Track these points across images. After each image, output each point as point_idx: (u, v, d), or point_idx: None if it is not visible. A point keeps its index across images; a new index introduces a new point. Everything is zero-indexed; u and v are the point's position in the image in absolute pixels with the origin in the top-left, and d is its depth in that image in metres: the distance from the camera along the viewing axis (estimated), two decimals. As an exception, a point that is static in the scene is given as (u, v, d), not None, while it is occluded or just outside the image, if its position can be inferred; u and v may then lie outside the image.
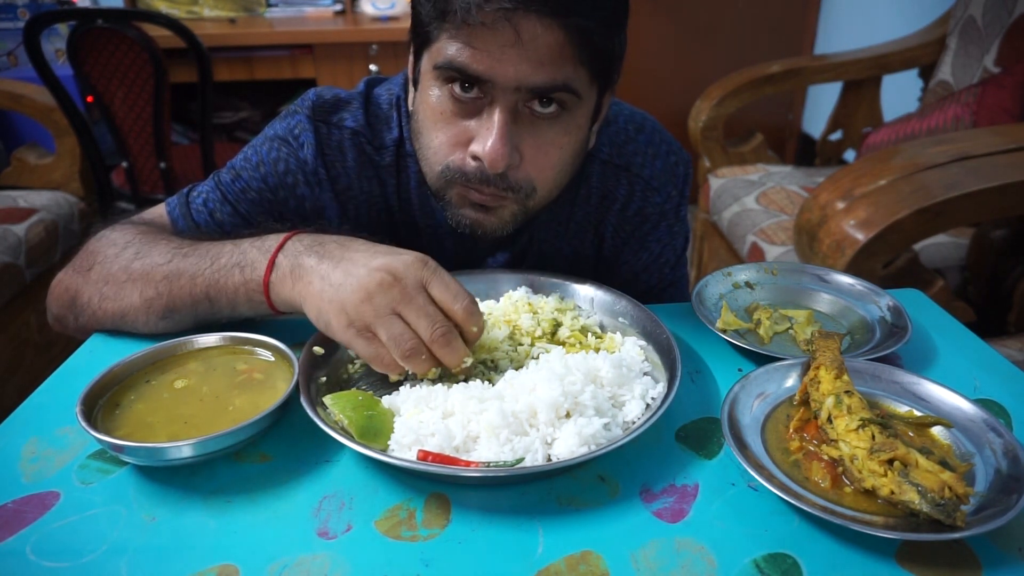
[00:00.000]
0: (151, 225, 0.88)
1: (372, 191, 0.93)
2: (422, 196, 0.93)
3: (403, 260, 0.67)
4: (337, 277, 0.67)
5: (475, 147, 0.74)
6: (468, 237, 0.84)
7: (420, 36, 0.76)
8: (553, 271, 0.89)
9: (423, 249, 0.72)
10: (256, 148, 0.92)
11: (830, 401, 0.63)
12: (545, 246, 0.97)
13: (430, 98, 0.76)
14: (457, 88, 0.73)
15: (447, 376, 0.71)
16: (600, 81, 0.77)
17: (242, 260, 0.75)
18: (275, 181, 0.90)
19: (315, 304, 0.68)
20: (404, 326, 0.65)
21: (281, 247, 0.73)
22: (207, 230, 0.89)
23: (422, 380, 0.70)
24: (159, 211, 0.93)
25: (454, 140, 0.76)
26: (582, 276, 0.87)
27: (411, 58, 0.81)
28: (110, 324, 0.81)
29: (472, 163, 0.76)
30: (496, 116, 0.72)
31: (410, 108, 0.85)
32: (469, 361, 0.68)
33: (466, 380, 0.69)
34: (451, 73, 0.72)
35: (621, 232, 0.98)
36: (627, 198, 0.96)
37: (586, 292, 0.84)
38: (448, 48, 0.71)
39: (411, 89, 0.84)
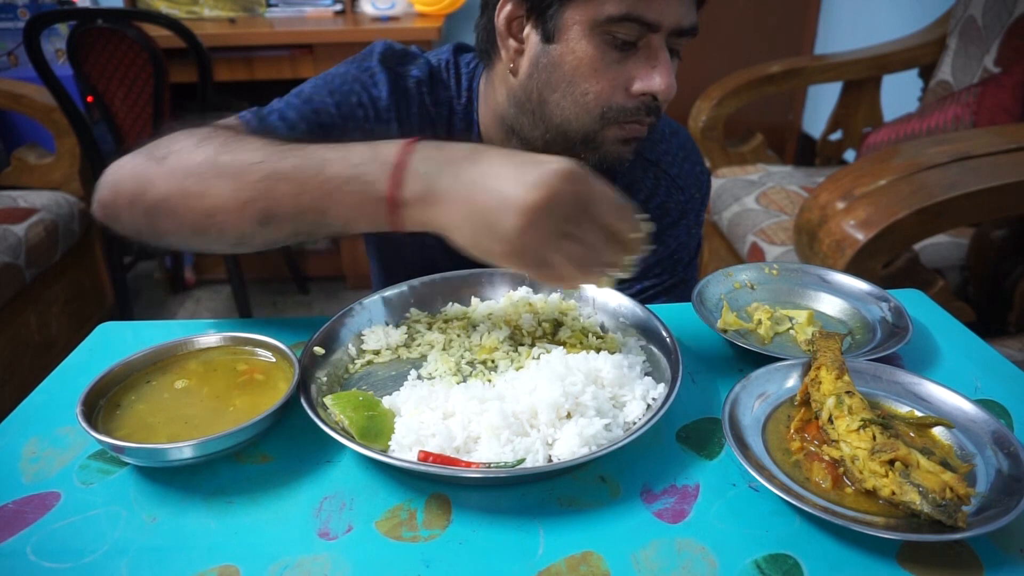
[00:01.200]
0: (227, 126, 0.82)
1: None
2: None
3: (557, 173, 0.59)
4: (487, 202, 0.60)
5: (643, 85, 0.81)
6: None
7: None
8: None
9: None
10: (326, 79, 0.92)
11: (831, 401, 0.63)
12: None
13: (584, 48, 0.80)
14: (623, 35, 0.79)
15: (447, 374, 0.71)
16: None
17: (361, 173, 0.65)
18: (347, 111, 0.90)
19: (467, 234, 0.62)
20: (576, 246, 0.61)
21: (405, 164, 0.64)
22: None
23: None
24: (231, 120, 0.86)
25: (615, 84, 0.81)
26: None
27: (508, 14, 0.84)
28: (191, 225, 0.70)
29: (634, 102, 0.82)
30: (662, 54, 0.81)
31: (512, 66, 0.87)
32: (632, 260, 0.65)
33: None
34: (626, 23, 0.78)
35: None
36: (652, 191, 1.01)
37: (587, 292, 0.84)
38: (620, 2, 0.77)
39: (510, 46, 0.86)
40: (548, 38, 0.82)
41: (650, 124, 0.85)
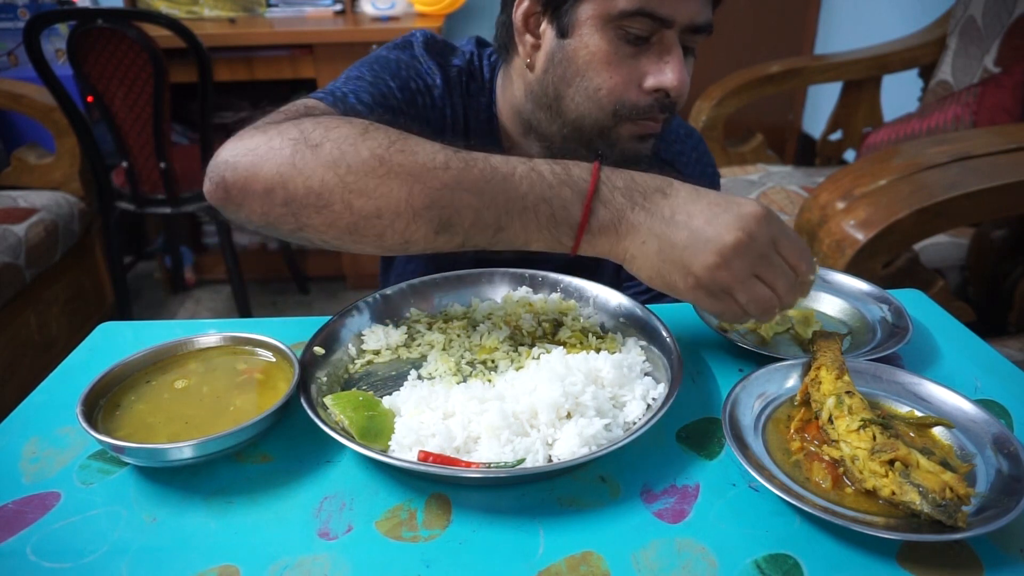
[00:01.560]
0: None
1: (465, 128, 0.97)
2: (486, 147, 0.98)
3: (752, 216, 0.63)
4: (681, 238, 0.64)
5: (655, 80, 0.81)
6: None
7: None
8: None
9: None
10: (381, 65, 0.90)
11: (831, 401, 0.63)
12: None
13: (597, 43, 0.81)
14: (636, 30, 0.79)
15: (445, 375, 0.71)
16: None
17: (549, 195, 0.65)
18: (408, 96, 0.91)
19: (652, 265, 0.65)
20: (763, 287, 0.65)
21: (595, 191, 0.65)
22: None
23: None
24: (312, 104, 0.79)
25: (627, 79, 0.82)
26: None
27: (526, 10, 0.85)
28: (347, 225, 0.64)
29: (647, 99, 0.82)
30: (675, 51, 0.80)
31: (529, 60, 0.88)
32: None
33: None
34: (638, 18, 0.78)
35: None
36: None
37: (587, 292, 0.84)
38: None
39: (527, 41, 0.87)
40: (563, 33, 0.83)
41: (664, 120, 0.86)
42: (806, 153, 3.37)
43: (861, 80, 2.36)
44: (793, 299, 0.67)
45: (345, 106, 0.82)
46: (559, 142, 0.90)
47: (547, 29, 0.85)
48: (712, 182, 1.07)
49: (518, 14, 0.86)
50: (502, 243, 0.67)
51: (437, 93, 0.93)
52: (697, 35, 0.82)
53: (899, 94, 2.45)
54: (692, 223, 0.64)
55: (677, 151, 1.03)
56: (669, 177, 0.69)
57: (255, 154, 0.65)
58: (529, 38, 0.87)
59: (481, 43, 1.02)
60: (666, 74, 0.81)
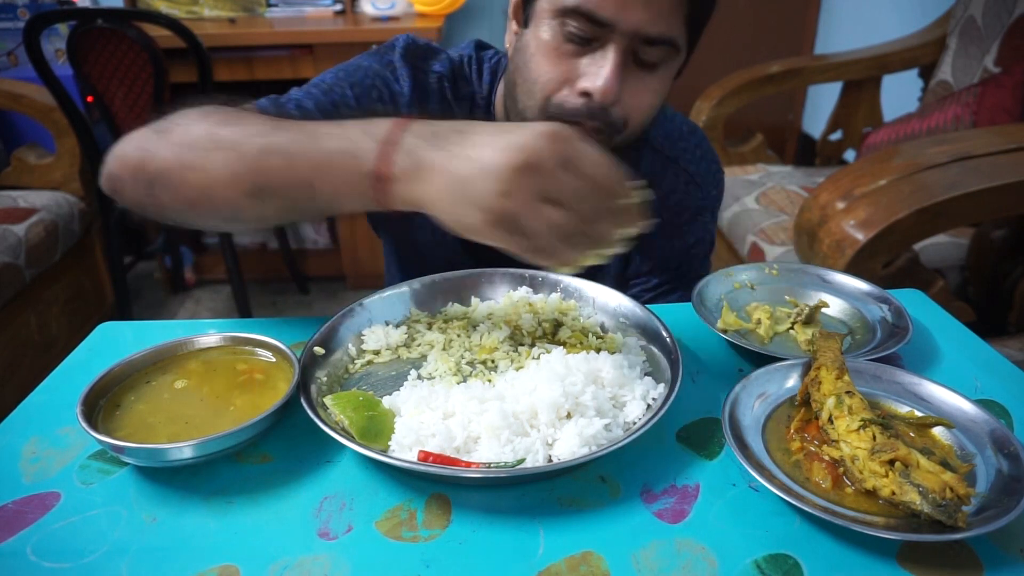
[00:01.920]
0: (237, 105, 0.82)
1: None
2: None
3: (539, 134, 0.57)
4: (465, 170, 0.58)
5: (585, 83, 0.79)
6: None
7: None
8: None
9: None
10: (347, 71, 0.92)
11: (831, 401, 0.63)
12: None
13: (544, 35, 0.80)
14: (576, 29, 0.77)
15: (445, 375, 0.71)
16: (692, 39, 0.83)
17: (352, 148, 0.64)
18: (367, 104, 0.91)
19: (447, 208, 0.59)
20: (557, 212, 0.57)
21: (396, 140, 0.62)
22: None
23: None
24: (246, 106, 0.86)
25: (562, 77, 0.80)
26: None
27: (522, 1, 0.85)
28: (186, 201, 0.71)
29: (576, 100, 0.80)
30: (611, 55, 0.78)
31: (508, 47, 0.89)
32: (629, 233, 0.61)
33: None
34: (579, 17, 0.76)
35: (659, 218, 1.02)
36: (671, 188, 1.02)
37: (587, 292, 0.84)
38: None
39: (511, 28, 0.88)
40: (526, 23, 0.85)
41: (597, 129, 0.81)
42: (806, 153, 3.37)
43: (861, 80, 2.36)
44: (604, 228, 0.59)
45: (280, 111, 0.86)
46: None
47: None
48: (717, 179, 1.07)
49: (511, 5, 0.88)
50: (320, 203, 0.67)
51: (404, 101, 0.92)
52: (653, 47, 0.79)
53: (899, 94, 2.45)
54: (476, 152, 0.58)
55: (681, 148, 1.03)
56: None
57: (125, 147, 0.74)
58: (513, 26, 0.89)
59: (481, 46, 1.02)
60: (594, 78, 0.78)
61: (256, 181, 0.67)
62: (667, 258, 1.05)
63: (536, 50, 0.82)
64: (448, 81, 0.96)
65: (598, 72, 0.78)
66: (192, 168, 0.69)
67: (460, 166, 0.58)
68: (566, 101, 0.81)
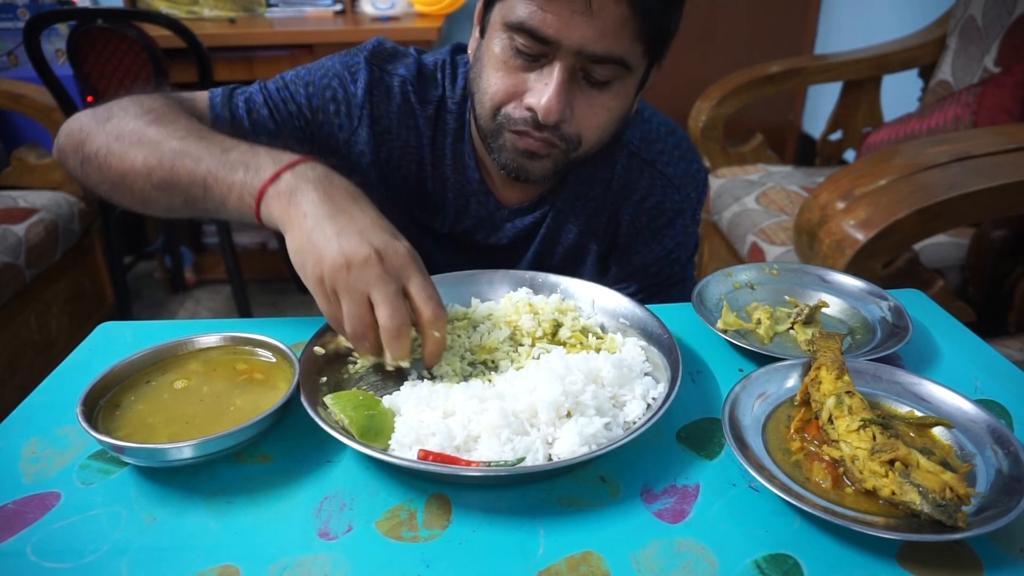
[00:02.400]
0: (183, 102, 0.89)
1: (408, 139, 0.97)
2: (456, 151, 0.98)
3: (396, 247, 0.67)
4: (331, 228, 0.67)
5: (530, 100, 0.80)
6: (492, 199, 0.91)
7: None
8: (565, 247, 0.93)
9: (447, 206, 0.83)
10: (310, 70, 0.96)
11: (831, 401, 0.63)
12: (561, 219, 1.01)
13: (495, 48, 0.82)
14: (522, 44, 0.78)
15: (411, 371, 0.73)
16: (652, 55, 0.83)
17: (250, 161, 0.74)
18: (318, 103, 0.94)
19: (299, 241, 0.68)
20: (366, 309, 0.66)
21: (293, 165, 0.72)
22: (239, 126, 0.91)
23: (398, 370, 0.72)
24: (200, 95, 0.94)
25: (511, 89, 0.82)
26: (592, 259, 0.88)
27: (480, 3, 0.86)
28: (109, 183, 0.81)
29: (524, 113, 0.82)
30: (555, 74, 0.78)
31: (471, 53, 0.91)
32: (407, 364, 0.69)
33: (408, 376, 0.72)
34: (523, 34, 0.77)
35: (636, 223, 1.02)
36: (647, 191, 1.01)
37: (587, 293, 0.84)
38: (522, 9, 0.77)
39: (474, 34, 0.90)
40: (483, 32, 0.86)
41: (545, 141, 0.83)
42: (806, 153, 3.37)
43: (861, 80, 2.36)
44: (392, 342, 0.66)
45: (229, 104, 0.92)
46: (481, 140, 0.92)
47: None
48: (696, 179, 1.03)
49: (476, 12, 0.89)
50: (209, 204, 0.76)
51: (356, 102, 0.94)
52: (600, 65, 0.79)
53: (899, 94, 2.45)
54: (348, 224, 0.67)
55: (658, 151, 1.01)
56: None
57: (73, 124, 0.86)
58: (476, 32, 0.90)
59: (458, 50, 1.01)
60: (539, 96, 0.80)
61: (164, 176, 0.77)
62: (646, 264, 1.04)
63: (488, 62, 0.84)
64: (412, 84, 0.96)
65: (543, 90, 0.79)
66: (116, 156, 0.79)
67: (329, 226, 0.67)
68: (514, 113, 0.83)
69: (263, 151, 0.75)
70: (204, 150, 0.76)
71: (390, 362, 0.68)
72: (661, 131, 1.02)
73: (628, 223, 1.02)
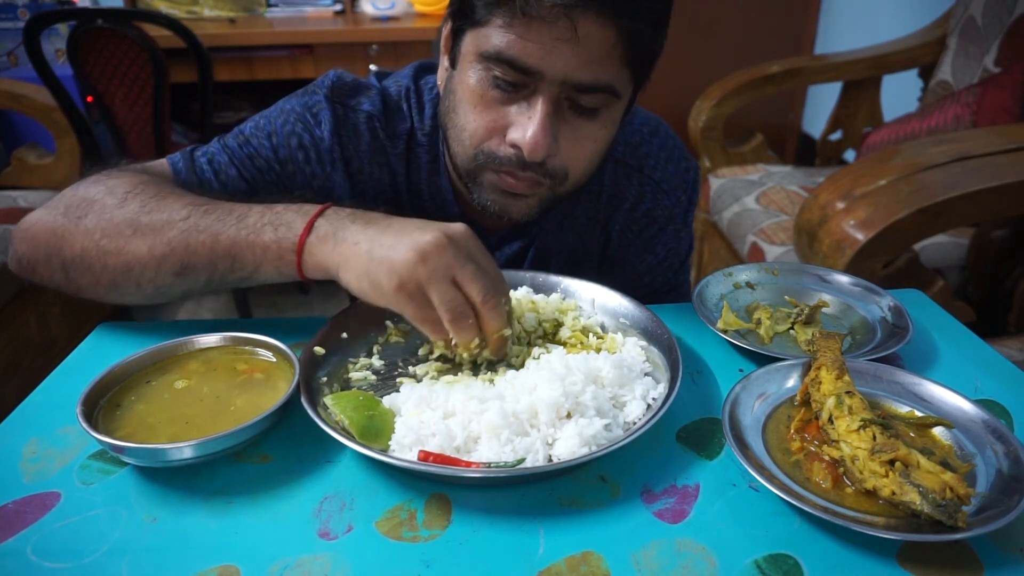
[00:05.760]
0: (151, 174, 0.83)
1: (382, 178, 0.93)
2: (432, 185, 0.94)
3: (455, 228, 0.67)
4: (388, 239, 0.66)
5: (514, 135, 0.75)
6: (476, 228, 0.84)
7: (467, 16, 0.74)
8: (558, 267, 0.90)
9: None
10: (269, 119, 0.90)
11: (831, 401, 0.63)
12: (551, 240, 0.97)
13: (470, 80, 0.75)
14: (501, 76, 0.73)
15: (480, 359, 0.73)
16: (637, 80, 0.78)
17: (275, 220, 0.72)
18: (286, 154, 0.89)
19: (360, 265, 0.67)
20: (456, 291, 0.65)
21: (321, 212, 0.71)
22: (209, 188, 0.86)
23: (461, 359, 0.72)
24: (160, 163, 0.88)
25: (491, 125, 0.76)
26: (585, 273, 0.87)
27: (447, 32, 0.80)
28: (106, 283, 0.76)
29: (508, 150, 0.76)
30: (539, 106, 0.73)
31: (440, 84, 0.84)
32: (509, 332, 0.69)
33: (494, 365, 0.72)
34: (501, 63, 0.72)
35: (628, 232, 0.99)
36: (637, 199, 0.97)
37: (587, 292, 0.84)
38: (499, 38, 0.71)
39: (443, 64, 0.83)
40: (453, 63, 0.80)
41: (530, 180, 0.78)
42: (806, 153, 3.37)
43: (861, 80, 2.36)
44: (491, 312, 0.66)
45: (193, 168, 0.86)
46: (457, 175, 0.86)
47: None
48: (686, 179, 0.99)
49: (443, 37, 0.82)
50: (241, 272, 0.73)
51: (324, 147, 0.89)
52: (587, 95, 0.74)
53: (899, 94, 2.45)
54: (402, 228, 0.67)
55: (644, 154, 0.96)
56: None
57: (35, 228, 0.77)
58: (445, 61, 0.83)
59: (421, 72, 0.95)
60: (523, 130, 0.74)
61: (181, 260, 0.73)
62: (639, 275, 1.01)
63: (463, 96, 0.77)
64: (379, 120, 0.90)
65: (527, 124, 0.74)
66: (113, 254, 0.74)
67: (384, 237, 0.66)
68: (497, 150, 0.77)
69: (281, 208, 0.73)
70: (217, 222, 0.73)
71: (494, 339, 0.69)
72: (644, 132, 0.97)
73: (619, 233, 0.99)
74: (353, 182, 0.91)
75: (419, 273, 0.64)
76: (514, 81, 0.73)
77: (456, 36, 0.78)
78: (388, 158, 0.92)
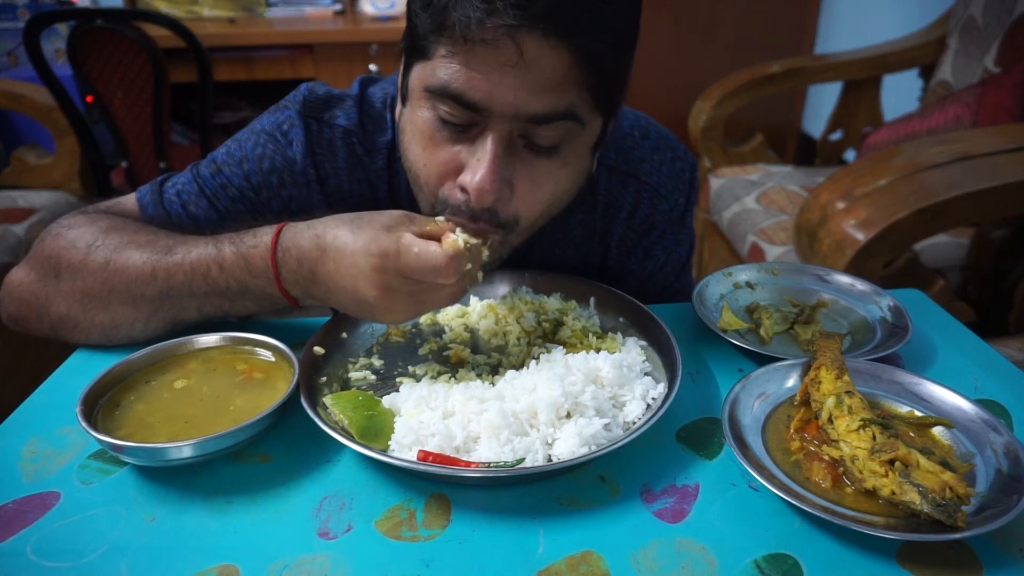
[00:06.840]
0: (111, 216, 0.81)
1: (363, 193, 0.89)
2: (413, 200, 0.84)
3: (383, 242, 0.65)
4: (349, 297, 0.68)
5: (464, 178, 0.68)
6: None
7: (413, 48, 0.69)
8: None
9: None
10: (240, 143, 0.86)
11: (831, 401, 0.63)
12: (548, 255, 0.93)
13: (418, 118, 0.70)
14: (447, 112, 0.67)
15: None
16: (605, 107, 0.71)
17: (241, 275, 0.72)
18: (259, 180, 0.85)
19: (349, 309, 0.70)
20: (410, 301, 0.67)
21: (276, 239, 0.71)
22: (178, 222, 0.84)
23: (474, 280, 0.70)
24: (128, 200, 0.87)
25: (443, 169, 0.70)
26: (593, 278, 0.86)
27: (401, 67, 0.74)
28: (98, 336, 0.77)
29: (460, 195, 0.70)
30: (488, 146, 0.67)
31: (397, 119, 0.79)
32: (480, 276, 0.70)
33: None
34: (445, 99, 0.66)
35: (627, 240, 0.95)
36: (634, 206, 0.93)
37: (587, 292, 0.84)
38: (443, 70, 0.65)
39: (398, 101, 0.78)
40: (404, 99, 0.74)
41: (480, 232, 0.70)
42: (806, 153, 3.37)
43: (861, 80, 2.36)
44: (438, 296, 0.67)
45: (161, 202, 0.85)
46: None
47: None
48: (683, 180, 0.95)
49: (401, 65, 0.75)
50: (240, 311, 0.76)
51: (298, 168, 0.85)
52: (544, 128, 0.67)
53: (899, 94, 2.45)
54: (336, 270, 0.67)
55: (637, 159, 0.91)
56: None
57: (19, 291, 0.79)
58: (399, 98, 0.78)
59: (367, 83, 0.90)
60: (470, 173, 0.68)
61: (170, 315, 0.75)
62: (640, 282, 0.98)
63: (412, 135, 0.72)
64: (355, 134, 0.86)
65: (476, 167, 0.67)
66: (99, 311, 0.75)
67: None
68: (451, 196, 0.71)
69: (230, 252, 0.72)
70: (184, 285, 0.73)
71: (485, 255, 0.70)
72: (636, 135, 0.92)
73: (618, 242, 0.95)
74: (331, 201, 0.87)
75: (383, 302, 0.66)
76: (462, 120, 0.67)
77: (406, 71, 0.72)
78: (368, 174, 0.88)
